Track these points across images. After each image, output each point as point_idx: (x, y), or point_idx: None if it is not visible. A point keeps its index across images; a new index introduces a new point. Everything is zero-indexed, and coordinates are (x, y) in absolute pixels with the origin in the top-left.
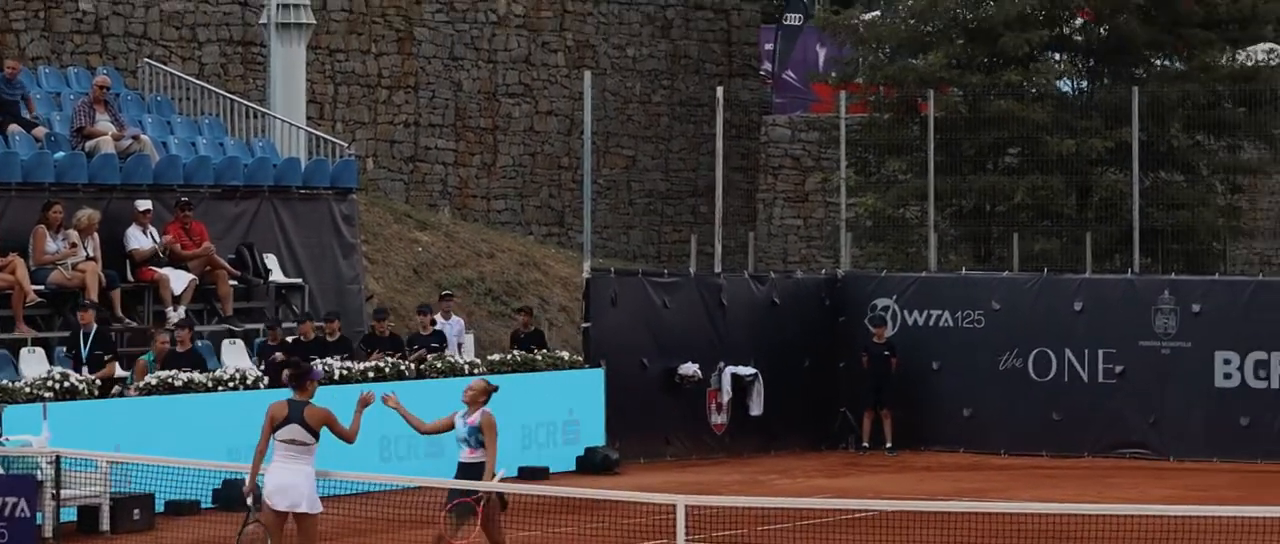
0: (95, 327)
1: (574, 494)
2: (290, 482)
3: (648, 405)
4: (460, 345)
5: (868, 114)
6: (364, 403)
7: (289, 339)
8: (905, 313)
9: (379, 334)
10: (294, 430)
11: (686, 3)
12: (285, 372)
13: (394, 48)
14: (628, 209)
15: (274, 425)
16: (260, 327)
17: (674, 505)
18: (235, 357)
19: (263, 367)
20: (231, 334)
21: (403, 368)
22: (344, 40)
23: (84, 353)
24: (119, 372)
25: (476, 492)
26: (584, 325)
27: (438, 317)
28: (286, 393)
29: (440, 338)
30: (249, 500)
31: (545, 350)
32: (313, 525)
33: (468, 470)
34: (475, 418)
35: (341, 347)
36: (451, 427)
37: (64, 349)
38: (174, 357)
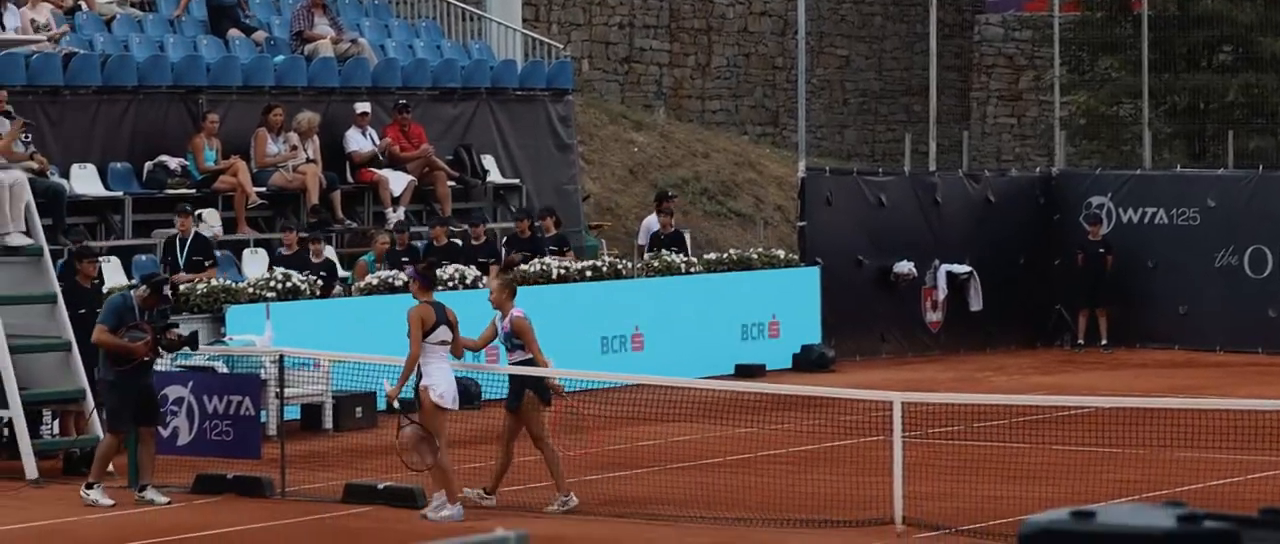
0: (194, 231)
1: (790, 391)
2: (451, 380)
3: (863, 303)
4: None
5: (1080, 12)
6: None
7: (417, 244)
8: (1120, 210)
9: (521, 235)
10: (445, 332)
11: None
12: (416, 271)
13: None
14: (841, 109)
15: (426, 330)
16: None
17: (890, 402)
18: (449, 255)
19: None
20: (450, 234)
21: (620, 267)
22: None
23: (181, 259)
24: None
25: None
26: (799, 224)
27: (652, 216)
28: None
29: (536, 244)
30: (396, 405)
31: (685, 254)
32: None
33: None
34: (507, 323)
35: (558, 242)
36: (495, 333)
37: (157, 256)
38: (393, 256)
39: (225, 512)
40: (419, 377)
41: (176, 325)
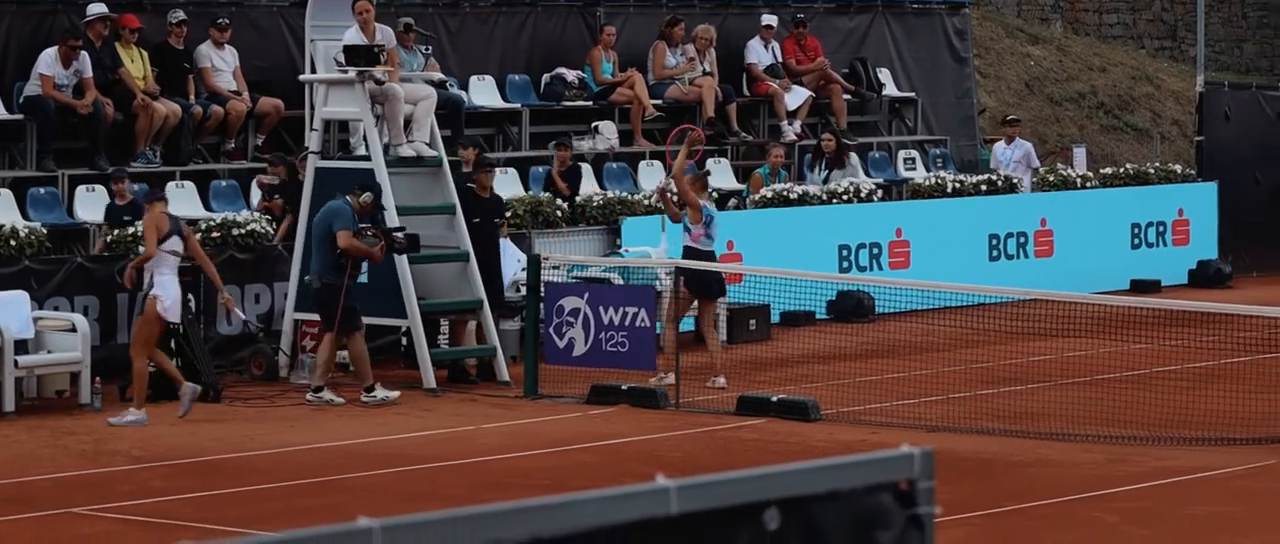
0: None
1: (1185, 307)
2: (177, 292)
3: (1261, 219)
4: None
5: None
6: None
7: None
8: None
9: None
10: (176, 242)
11: None
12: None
13: None
14: (1241, 22)
15: (161, 237)
16: (873, 140)
17: None
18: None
19: None
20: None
21: (1015, 181)
22: None
23: None
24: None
25: None
26: (1197, 139)
27: (1001, 142)
28: None
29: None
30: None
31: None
32: None
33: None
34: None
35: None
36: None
37: None
38: None
39: (619, 422)
40: (150, 285)
41: (403, 229)
